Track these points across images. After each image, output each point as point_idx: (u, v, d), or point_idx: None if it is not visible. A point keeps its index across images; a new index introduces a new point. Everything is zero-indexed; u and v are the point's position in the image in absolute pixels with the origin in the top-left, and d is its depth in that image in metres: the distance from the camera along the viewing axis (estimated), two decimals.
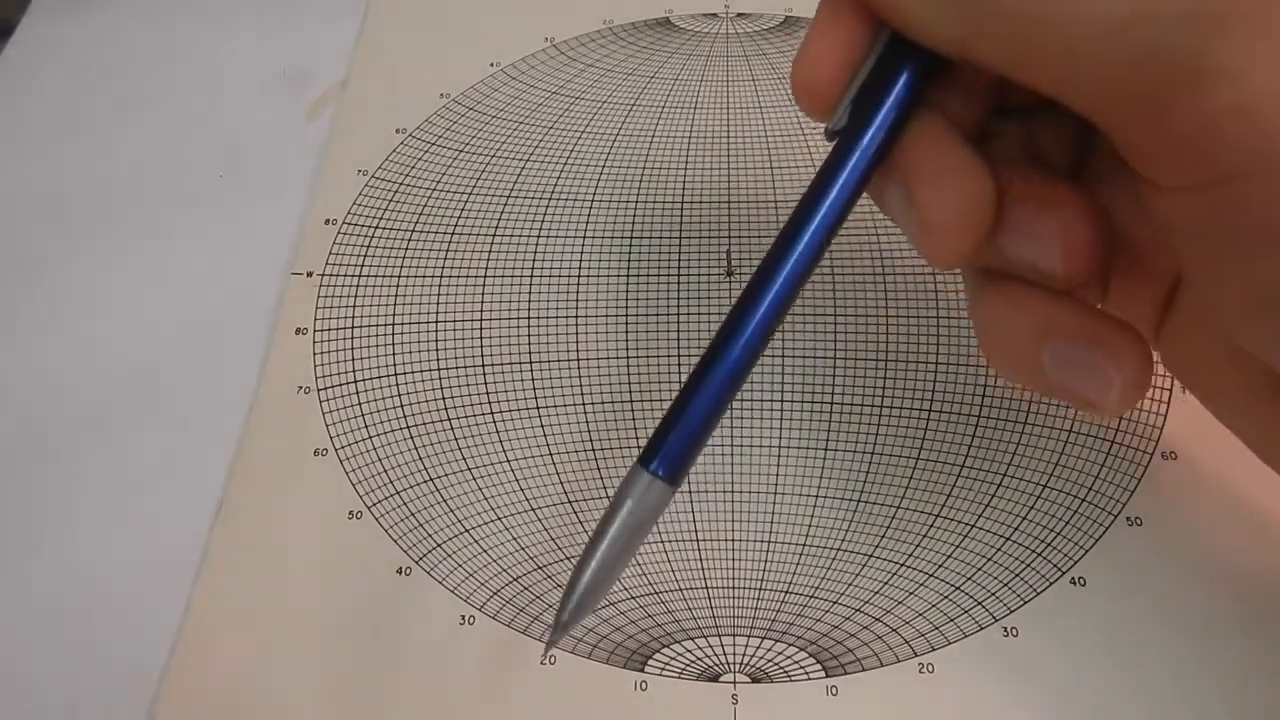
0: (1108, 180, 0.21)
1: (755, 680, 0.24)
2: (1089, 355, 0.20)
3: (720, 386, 0.20)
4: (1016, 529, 0.26)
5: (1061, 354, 0.20)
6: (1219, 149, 0.16)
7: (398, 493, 0.27)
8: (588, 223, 0.32)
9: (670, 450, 0.20)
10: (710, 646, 0.25)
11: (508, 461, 0.28)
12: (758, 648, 0.25)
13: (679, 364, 0.29)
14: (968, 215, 0.19)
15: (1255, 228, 0.16)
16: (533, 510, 0.27)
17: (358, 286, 0.31)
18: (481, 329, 0.30)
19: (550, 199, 0.33)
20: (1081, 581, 0.25)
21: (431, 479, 0.28)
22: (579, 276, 0.31)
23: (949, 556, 0.26)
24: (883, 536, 0.26)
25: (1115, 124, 0.17)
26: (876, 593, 0.25)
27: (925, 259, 0.20)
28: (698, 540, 0.26)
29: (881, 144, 0.20)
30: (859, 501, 0.27)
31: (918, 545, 0.26)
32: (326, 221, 0.33)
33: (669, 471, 0.20)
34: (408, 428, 0.29)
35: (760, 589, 0.26)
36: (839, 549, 0.26)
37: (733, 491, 0.27)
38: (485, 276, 0.31)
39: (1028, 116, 0.22)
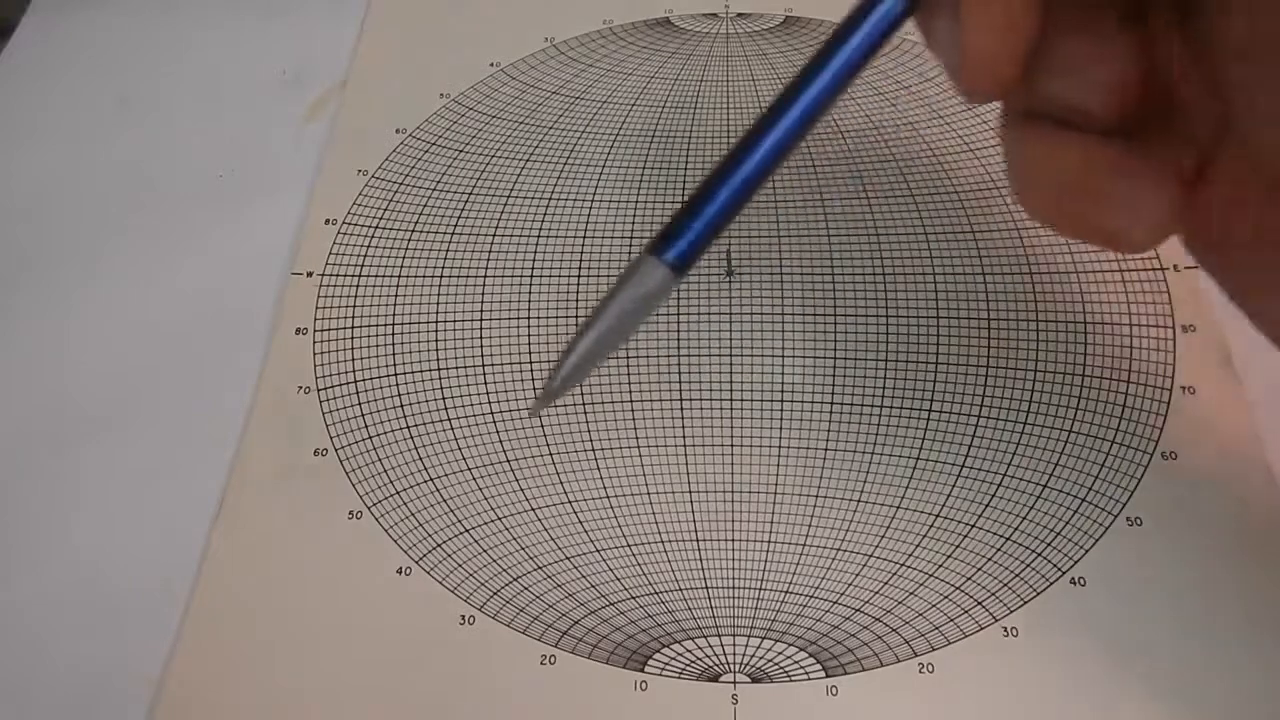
0: (1162, 34, 0.21)
1: (755, 680, 0.24)
2: (1122, 187, 0.20)
3: (740, 185, 0.20)
4: (1016, 529, 0.26)
5: (1095, 186, 0.20)
6: None
7: (398, 493, 0.27)
8: (588, 223, 0.32)
9: (684, 238, 0.20)
10: (710, 646, 0.25)
11: (508, 461, 0.28)
12: (758, 648, 0.25)
13: (679, 364, 0.29)
14: (1010, 48, 0.20)
15: None
16: (533, 510, 0.27)
17: (358, 286, 0.31)
18: (481, 329, 0.30)
19: (550, 199, 0.33)
20: (1081, 581, 0.25)
21: (431, 479, 0.28)
22: (579, 276, 0.31)
23: (949, 556, 0.26)
24: (883, 536, 0.26)
25: None
26: (876, 593, 0.25)
27: (962, 92, 0.21)
28: (698, 540, 0.26)
29: None
30: (859, 501, 0.27)
31: (918, 545, 0.26)
32: (326, 221, 0.33)
33: (679, 259, 0.20)
34: (408, 428, 0.29)
35: (760, 589, 0.26)
36: (839, 549, 0.26)
37: (733, 491, 0.27)
38: (485, 276, 0.31)
39: None
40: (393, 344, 0.30)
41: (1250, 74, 0.18)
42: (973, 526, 0.26)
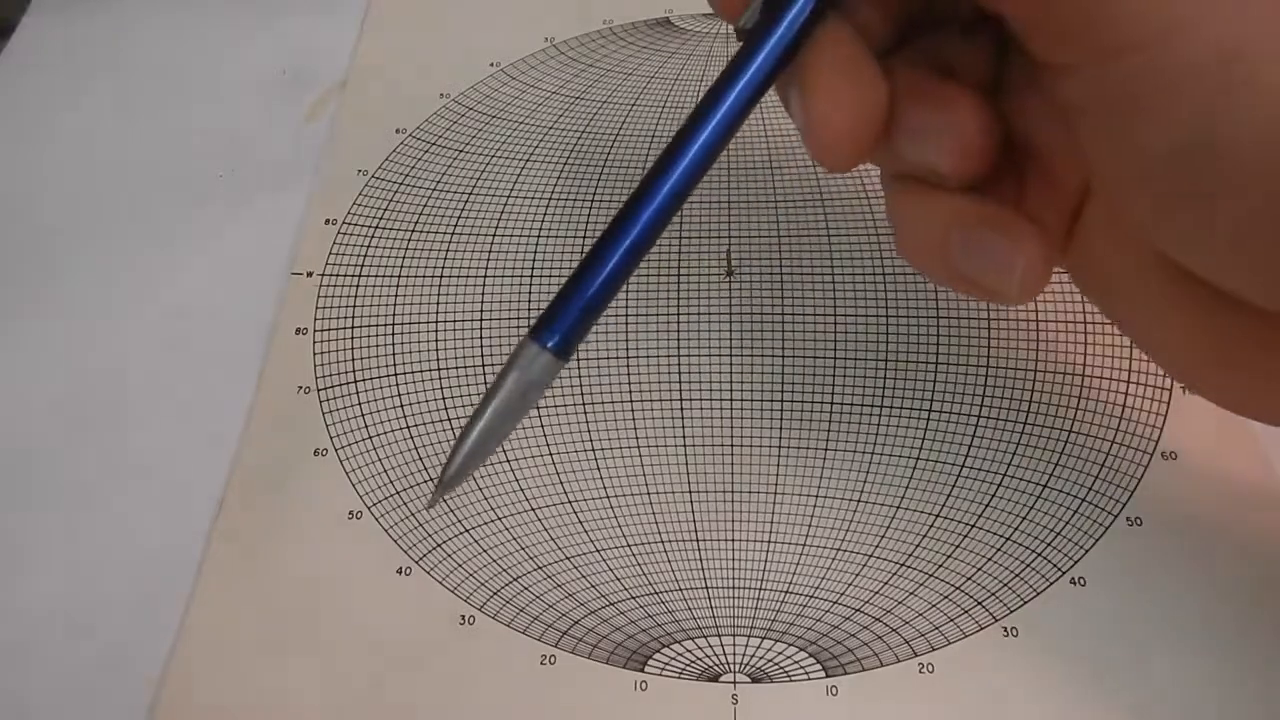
0: (1020, 95, 0.22)
1: (755, 680, 0.24)
2: (991, 241, 0.21)
3: (619, 263, 0.20)
4: (1016, 529, 0.26)
5: (966, 241, 0.21)
6: (1101, 23, 0.18)
7: (398, 493, 0.27)
8: (587, 223, 0.32)
9: (562, 324, 0.20)
10: (710, 646, 0.25)
11: (508, 462, 0.28)
12: (758, 648, 0.25)
13: (679, 364, 0.29)
14: (855, 121, 0.20)
15: (1137, 98, 0.18)
16: (533, 510, 0.27)
17: (358, 286, 0.31)
18: (481, 329, 0.30)
19: (550, 199, 0.33)
20: (1081, 581, 0.25)
21: (431, 479, 0.28)
22: None
23: (949, 556, 0.26)
24: (883, 536, 0.26)
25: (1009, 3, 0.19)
26: (876, 593, 0.25)
27: (815, 161, 0.21)
28: (698, 540, 0.26)
29: (787, 45, 0.20)
30: (859, 501, 0.27)
31: (918, 545, 0.26)
32: (326, 221, 0.33)
33: (560, 345, 0.20)
34: (408, 428, 0.29)
35: (760, 589, 0.26)
36: (839, 549, 0.26)
37: (733, 491, 0.27)
38: (485, 276, 0.31)
39: (944, 32, 0.22)
40: (393, 344, 0.30)
41: (1092, 128, 0.19)
42: (973, 526, 0.26)
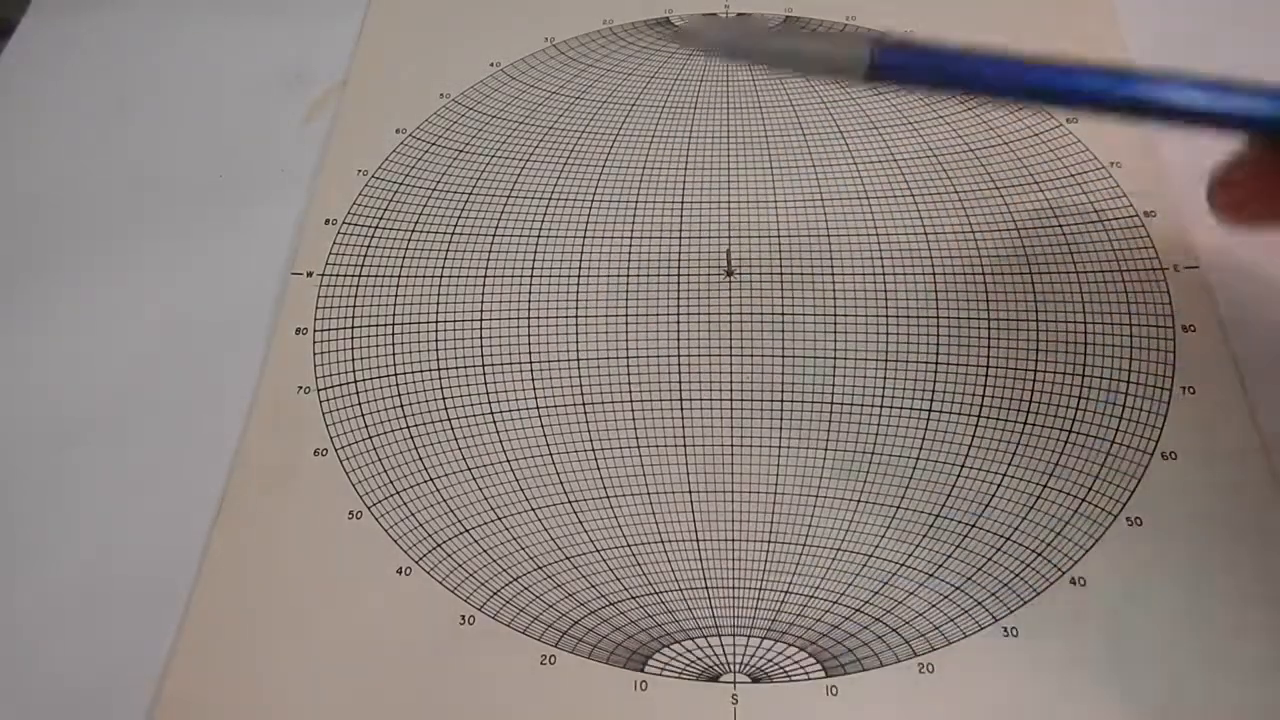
0: None
1: (755, 680, 0.24)
2: None
3: (995, 73, 0.19)
4: (1016, 529, 0.26)
5: None
6: None
7: (398, 493, 0.27)
8: (588, 223, 0.32)
9: (906, 57, 0.18)
10: (710, 646, 0.25)
11: (508, 461, 0.28)
12: (758, 648, 0.25)
13: (679, 364, 0.29)
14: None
15: None
16: (533, 510, 0.27)
17: (358, 286, 0.31)
18: (481, 329, 0.30)
19: (550, 199, 0.33)
20: (1081, 581, 0.25)
21: (431, 479, 0.28)
22: (579, 276, 0.31)
23: (949, 556, 0.26)
24: (883, 536, 0.26)
25: None
26: (876, 593, 0.25)
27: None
28: (698, 540, 0.26)
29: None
30: (859, 501, 0.27)
31: (918, 545, 0.26)
32: (326, 221, 0.33)
33: (883, 62, 0.18)
34: (408, 428, 0.29)
35: (760, 589, 0.26)
36: (839, 549, 0.26)
37: (733, 491, 0.27)
38: (485, 276, 0.31)
39: None
40: (393, 344, 0.30)
41: None
42: (973, 526, 0.26)
